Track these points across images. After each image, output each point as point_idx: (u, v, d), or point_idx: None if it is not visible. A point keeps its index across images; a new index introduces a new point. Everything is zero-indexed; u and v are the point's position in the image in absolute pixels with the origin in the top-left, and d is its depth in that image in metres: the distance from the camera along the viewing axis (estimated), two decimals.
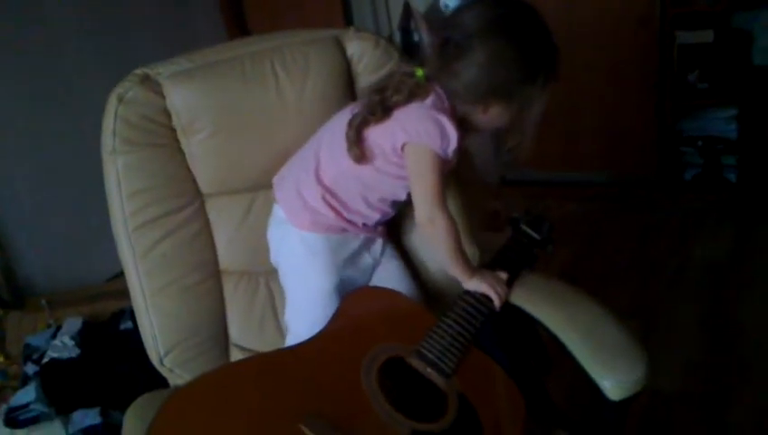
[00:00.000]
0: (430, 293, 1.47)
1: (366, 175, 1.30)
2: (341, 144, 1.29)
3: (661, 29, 2.82)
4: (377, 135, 1.28)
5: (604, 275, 2.57)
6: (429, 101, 1.26)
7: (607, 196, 3.14)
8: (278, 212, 1.37)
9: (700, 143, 2.95)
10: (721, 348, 2.16)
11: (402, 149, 1.26)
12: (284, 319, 1.39)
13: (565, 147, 3.22)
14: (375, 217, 1.36)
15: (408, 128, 1.25)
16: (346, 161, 1.29)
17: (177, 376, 1.34)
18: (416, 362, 1.15)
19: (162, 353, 1.33)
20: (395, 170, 1.29)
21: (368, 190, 1.32)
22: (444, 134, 1.24)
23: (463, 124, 1.29)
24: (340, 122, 1.32)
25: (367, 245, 1.39)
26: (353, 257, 1.37)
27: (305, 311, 1.33)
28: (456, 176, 1.45)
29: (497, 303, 1.27)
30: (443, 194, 1.27)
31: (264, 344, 1.41)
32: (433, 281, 1.48)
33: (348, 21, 3.28)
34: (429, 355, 1.16)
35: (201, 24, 3.37)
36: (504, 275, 1.32)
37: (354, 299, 1.25)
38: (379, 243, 1.42)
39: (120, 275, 2.85)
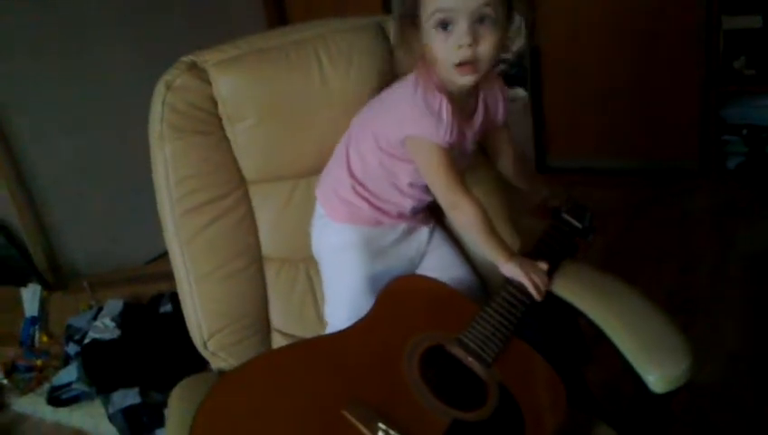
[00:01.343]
0: (482, 276, 1.46)
1: (388, 163, 1.31)
2: (366, 137, 1.31)
3: (707, 13, 2.76)
4: (380, 126, 1.29)
5: (641, 265, 2.53)
6: (413, 79, 1.24)
7: (647, 183, 3.10)
8: (318, 208, 1.39)
9: (745, 132, 2.90)
10: (763, 341, 2.12)
11: (404, 142, 1.26)
12: (324, 313, 1.40)
13: (605, 133, 3.19)
14: (408, 203, 1.36)
15: (403, 121, 1.24)
16: (370, 154, 1.31)
17: (221, 359, 1.36)
18: (457, 351, 1.15)
19: (206, 337, 1.34)
20: (408, 156, 1.29)
21: (395, 177, 1.33)
22: (438, 119, 1.21)
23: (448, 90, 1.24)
24: (365, 115, 1.34)
25: (407, 236, 1.40)
26: (391, 249, 1.37)
27: (342, 304, 1.33)
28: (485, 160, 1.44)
29: (534, 293, 1.25)
30: (458, 179, 1.25)
31: (304, 330, 1.42)
32: (481, 265, 1.47)
33: (386, 5, 3.26)
34: (471, 344, 1.16)
35: (239, 8, 3.39)
36: (544, 266, 1.30)
37: (394, 288, 1.24)
38: (423, 232, 1.42)
39: (159, 258, 2.94)
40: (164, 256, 2.91)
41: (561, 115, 3.29)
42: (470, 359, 1.14)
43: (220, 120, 1.34)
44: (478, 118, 1.32)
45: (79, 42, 2.73)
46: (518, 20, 1.22)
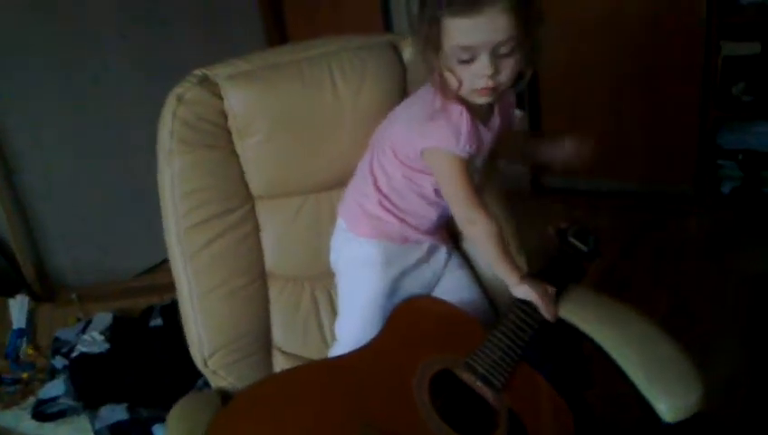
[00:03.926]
0: (493, 300, 1.46)
1: (410, 175, 1.30)
2: (385, 151, 1.30)
3: (707, 39, 2.77)
4: (398, 140, 1.29)
5: (638, 289, 2.53)
6: (431, 91, 1.24)
7: (642, 207, 3.10)
8: (340, 222, 1.38)
9: (740, 157, 2.91)
10: (762, 366, 2.12)
11: (422, 154, 1.25)
12: (335, 326, 1.38)
13: (601, 154, 3.18)
14: (434, 214, 1.35)
15: (422, 133, 1.23)
16: (391, 167, 1.30)
17: (221, 378, 1.33)
18: (466, 376, 1.14)
19: (207, 355, 1.32)
20: (428, 168, 1.28)
21: (420, 187, 1.32)
22: (456, 130, 1.20)
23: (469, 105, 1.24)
24: (384, 129, 1.33)
25: (429, 256, 1.38)
26: (412, 270, 1.36)
27: (355, 319, 1.32)
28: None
29: (547, 314, 1.24)
30: (476, 193, 1.25)
31: (306, 350, 1.40)
32: (491, 287, 1.46)
33: (386, 20, 3.26)
34: (480, 369, 1.15)
35: (237, 20, 3.37)
36: (551, 290, 1.29)
37: (405, 309, 1.24)
38: (442, 252, 1.41)
39: (149, 271, 2.91)
40: (154, 269, 2.92)
41: (558, 136, 3.28)
42: (479, 384, 1.13)
43: (230, 134, 1.33)
44: (495, 123, 1.31)
45: (77, 51, 2.69)
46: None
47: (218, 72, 1.32)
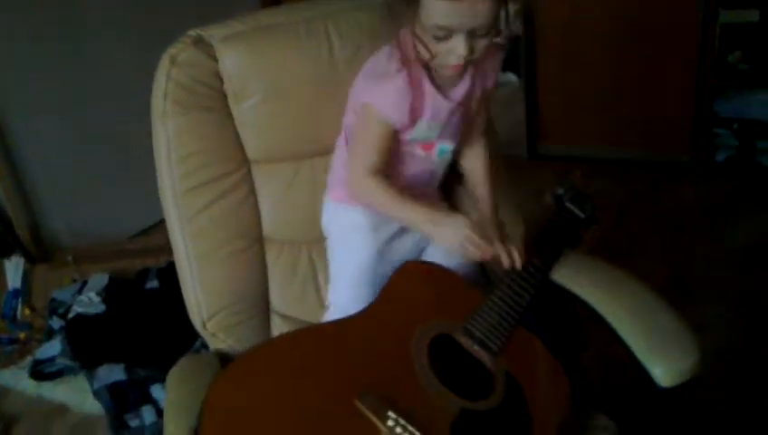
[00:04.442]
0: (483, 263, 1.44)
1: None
2: (348, 113, 1.31)
3: (705, 6, 2.76)
4: (352, 95, 1.29)
5: (632, 256, 2.54)
6: (388, 48, 1.22)
7: (638, 175, 3.12)
8: (327, 190, 1.38)
9: (736, 126, 2.92)
10: (755, 334, 2.15)
11: (362, 108, 1.24)
12: (326, 294, 1.38)
13: (598, 122, 3.19)
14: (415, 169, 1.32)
15: (366, 87, 1.23)
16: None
17: (220, 340, 1.34)
18: (464, 340, 1.15)
19: (206, 318, 1.32)
20: None
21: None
22: (399, 97, 1.18)
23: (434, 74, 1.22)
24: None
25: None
26: (395, 238, 1.35)
27: (346, 284, 1.33)
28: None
29: (473, 255, 1.18)
30: (380, 168, 1.22)
31: (304, 313, 1.41)
32: None
33: None
34: (477, 333, 1.15)
35: None
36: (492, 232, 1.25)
37: (403, 274, 1.24)
38: None
39: (143, 233, 2.90)
40: (148, 230, 2.91)
41: (555, 102, 3.28)
42: (476, 348, 1.14)
43: (225, 96, 1.32)
44: (458, 93, 1.26)
45: (68, 16, 2.66)
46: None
47: (213, 34, 1.30)
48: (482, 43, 1.14)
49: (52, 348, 2.29)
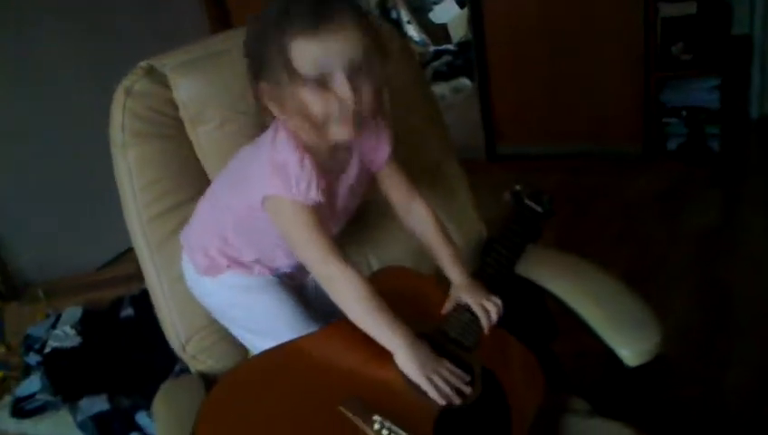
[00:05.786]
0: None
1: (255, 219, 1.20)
2: (229, 197, 1.24)
3: (645, 3, 2.87)
4: (240, 193, 1.19)
5: (593, 246, 2.61)
6: (270, 134, 1.15)
7: (594, 168, 3.20)
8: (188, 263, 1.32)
9: (684, 113, 3.01)
10: (714, 312, 2.23)
11: (263, 203, 1.13)
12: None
13: (552, 119, 3.27)
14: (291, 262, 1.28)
15: (261, 180, 1.12)
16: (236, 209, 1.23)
17: (200, 362, 1.34)
18: (440, 339, 1.17)
19: (183, 340, 1.33)
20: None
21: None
22: (301, 175, 1.09)
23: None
24: (223, 177, 1.28)
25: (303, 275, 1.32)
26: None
27: (271, 333, 1.24)
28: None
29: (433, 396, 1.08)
30: (331, 243, 1.11)
31: None
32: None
33: None
34: (451, 333, 1.18)
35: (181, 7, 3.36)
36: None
37: (374, 280, 1.24)
38: None
39: (111, 263, 2.89)
40: (116, 260, 2.90)
41: (508, 103, 3.36)
42: (452, 347, 1.16)
43: (182, 123, 1.32)
44: (352, 170, 1.22)
45: (17, 36, 2.67)
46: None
47: (165, 63, 1.31)
48: (365, 85, 1.07)
49: (32, 384, 2.27)
